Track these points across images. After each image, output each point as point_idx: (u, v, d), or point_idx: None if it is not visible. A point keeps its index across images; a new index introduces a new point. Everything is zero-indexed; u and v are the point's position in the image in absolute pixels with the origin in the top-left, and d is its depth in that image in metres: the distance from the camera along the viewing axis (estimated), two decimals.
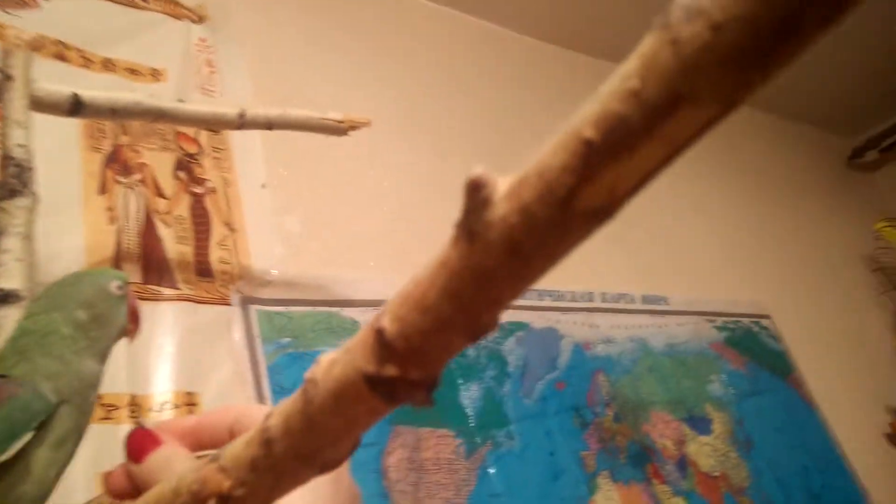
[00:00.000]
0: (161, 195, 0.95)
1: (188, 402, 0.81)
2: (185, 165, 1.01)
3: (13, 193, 0.56)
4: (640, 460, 1.15)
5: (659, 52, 0.14)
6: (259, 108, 0.77)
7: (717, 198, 1.89)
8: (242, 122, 0.76)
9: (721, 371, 1.44)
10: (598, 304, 1.35)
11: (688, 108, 0.14)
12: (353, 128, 0.82)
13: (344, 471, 0.31)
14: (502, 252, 0.17)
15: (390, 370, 0.19)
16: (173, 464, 0.29)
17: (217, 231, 0.98)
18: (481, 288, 0.18)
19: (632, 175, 0.16)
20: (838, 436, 1.54)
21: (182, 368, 0.83)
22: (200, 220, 0.98)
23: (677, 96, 0.14)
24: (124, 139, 0.98)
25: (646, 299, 1.44)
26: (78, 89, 0.67)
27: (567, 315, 1.29)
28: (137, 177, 0.95)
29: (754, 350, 1.56)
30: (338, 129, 0.82)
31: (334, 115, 0.81)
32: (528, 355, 1.17)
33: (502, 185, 0.17)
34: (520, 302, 1.24)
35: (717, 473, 1.25)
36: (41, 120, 0.69)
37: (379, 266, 1.13)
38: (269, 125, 0.77)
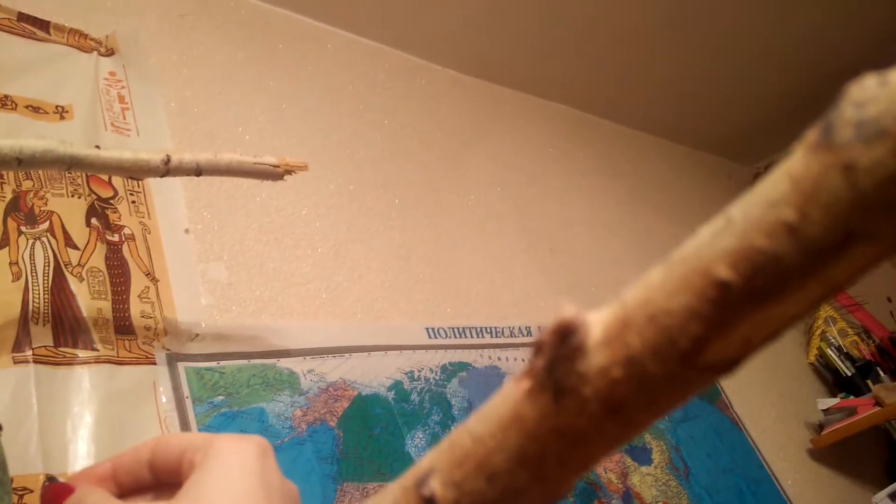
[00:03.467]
0: (72, 245, 0.87)
1: None
2: (99, 212, 0.93)
3: None
4: (587, 498, 1.14)
5: (824, 179, 0.11)
6: (186, 153, 0.71)
7: (631, 225, 1.94)
8: (168, 169, 0.69)
9: None
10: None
11: (861, 247, 0.11)
12: (290, 172, 0.78)
13: (272, 468, 0.28)
14: (600, 411, 0.13)
15: None
16: (88, 502, 0.28)
17: (137, 283, 0.90)
18: (568, 452, 0.14)
19: (775, 322, 0.12)
20: (766, 455, 1.58)
21: (103, 440, 0.74)
22: (118, 272, 0.89)
23: (850, 234, 0.11)
24: (28, 185, 0.89)
25: None
26: None
27: (507, 351, 1.26)
28: (44, 226, 0.86)
29: None
30: (273, 174, 0.77)
31: (269, 158, 0.76)
32: (472, 396, 1.13)
33: (595, 327, 0.14)
34: (459, 341, 1.21)
35: (660, 503, 1.25)
36: None
37: (314, 313, 1.07)
38: (197, 171, 0.71)
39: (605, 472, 1.21)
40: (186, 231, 1.01)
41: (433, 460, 0.16)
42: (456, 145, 1.59)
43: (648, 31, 1.86)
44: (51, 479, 0.31)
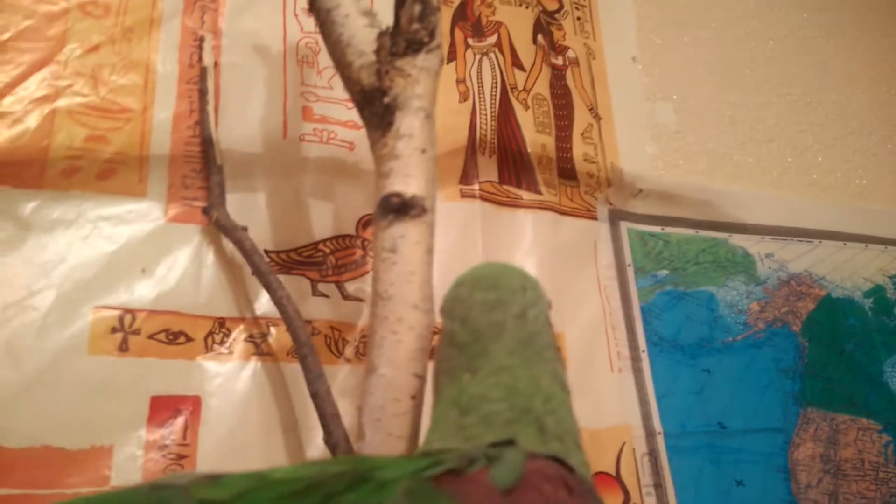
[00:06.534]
0: (518, 66, 0.74)
1: None
2: (545, 27, 0.78)
3: (416, 47, 0.36)
4: None
5: None
6: None
7: None
8: None
9: None
10: None
11: None
12: None
13: None
14: None
15: None
16: None
17: (580, 118, 0.75)
18: None
19: None
20: None
21: None
22: (561, 103, 0.75)
23: None
24: None
25: None
26: None
27: None
28: (492, 40, 0.73)
29: None
30: None
31: None
32: None
33: None
34: None
35: None
36: None
37: (776, 180, 0.83)
38: None
39: None
40: (634, 59, 0.82)
41: None
42: None
43: None
44: None
